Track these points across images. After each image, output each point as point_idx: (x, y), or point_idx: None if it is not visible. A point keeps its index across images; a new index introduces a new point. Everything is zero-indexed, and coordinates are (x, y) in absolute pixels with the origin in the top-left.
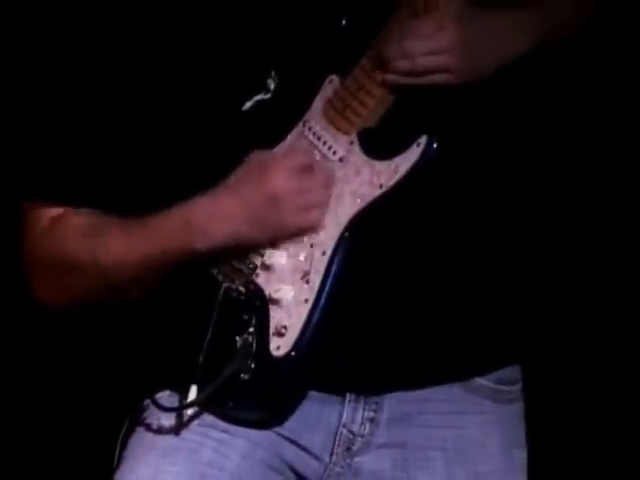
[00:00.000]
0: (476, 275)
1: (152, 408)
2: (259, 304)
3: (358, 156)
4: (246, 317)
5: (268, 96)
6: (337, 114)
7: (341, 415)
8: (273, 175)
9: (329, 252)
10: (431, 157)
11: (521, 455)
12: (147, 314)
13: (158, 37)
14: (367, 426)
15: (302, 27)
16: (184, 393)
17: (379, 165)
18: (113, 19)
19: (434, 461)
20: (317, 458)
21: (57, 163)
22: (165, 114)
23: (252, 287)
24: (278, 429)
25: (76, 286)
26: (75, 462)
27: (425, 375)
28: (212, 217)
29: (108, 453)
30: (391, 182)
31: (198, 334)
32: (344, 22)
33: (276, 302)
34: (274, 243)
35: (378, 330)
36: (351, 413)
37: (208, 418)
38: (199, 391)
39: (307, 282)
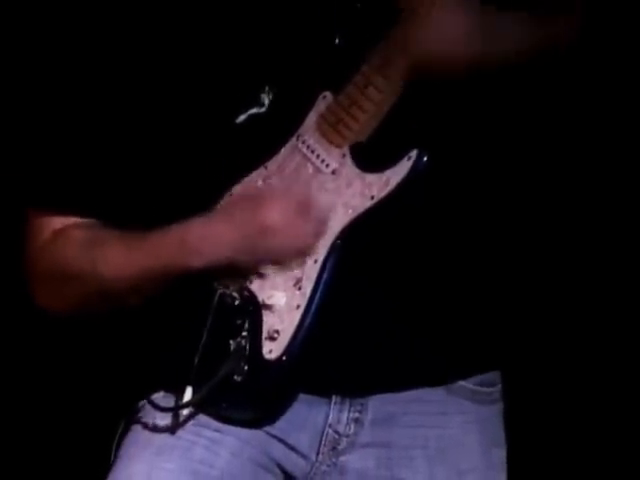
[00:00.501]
0: (459, 283)
1: (147, 408)
2: (252, 309)
3: (350, 168)
4: (240, 321)
5: (262, 110)
6: (330, 128)
7: (327, 416)
8: (269, 209)
9: (321, 260)
10: (421, 170)
11: (500, 454)
12: (144, 317)
13: (156, 51)
14: (352, 426)
15: (297, 44)
16: (179, 394)
17: (370, 177)
18: (113, 33)
19: (417, 460)
20: (304, 457)
21: (61, 175)
22: (161, 125)
23: (246, 293)
24: (267, 428)
25: (76, 295)
26: (72, 461)
27: (409, 379)
28: (207, 239)
29: (105, 452)
30: (382, 194)
31: (193, 337)
32: (337, 40)
33: (269, 307)
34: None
35: (364, 335)
36: (337, 414)
37: (200, 418)
38: (194, 392)
39: (299, 289)
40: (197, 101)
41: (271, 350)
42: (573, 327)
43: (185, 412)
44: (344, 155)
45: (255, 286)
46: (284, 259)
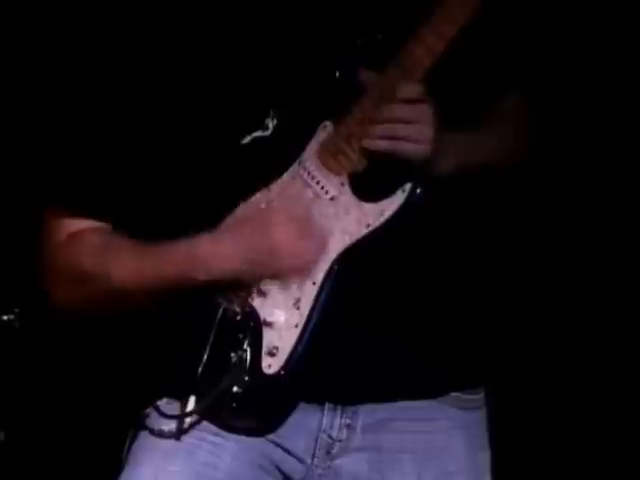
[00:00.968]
0: (445, 303)
1: (153, 415)
2: (253, 325)
3: (348, 197)
4: (241, 336)
5: (267, 134)
6: (330, 157)
7: (321, 422)
8: (274, 231)
9: (319, 282)
10: (414, 202)
11: (485, 456)
12: (152, 330)
13: (171, 75)
14: (344, 432)
15: (300, 76)
16: (183, 402)
17: (367, 207)
18: (129, 57)
19: (406, 463)
20: (301, 460)
21: (81, 182)
22: (171, 141)
23: (248, 309)
24: None
25: (88, 295)
26: (85, 465)
27: (398, 390)
28: (214, 255)
29: (115, 456)
30: (377, 223)
31: (197, 349)
32: (338, 74)
33: (269, 324)
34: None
35: (357, 350)
36: (330, 420)
37: (203, 423)
38: (197, 401)
39: (298, 308)
40: (204, 121)
41: (270, 365)
42: (551, 341)
43: (188, 419)
44: (343, 184)
45: (257, 303)
46: (285, 276)
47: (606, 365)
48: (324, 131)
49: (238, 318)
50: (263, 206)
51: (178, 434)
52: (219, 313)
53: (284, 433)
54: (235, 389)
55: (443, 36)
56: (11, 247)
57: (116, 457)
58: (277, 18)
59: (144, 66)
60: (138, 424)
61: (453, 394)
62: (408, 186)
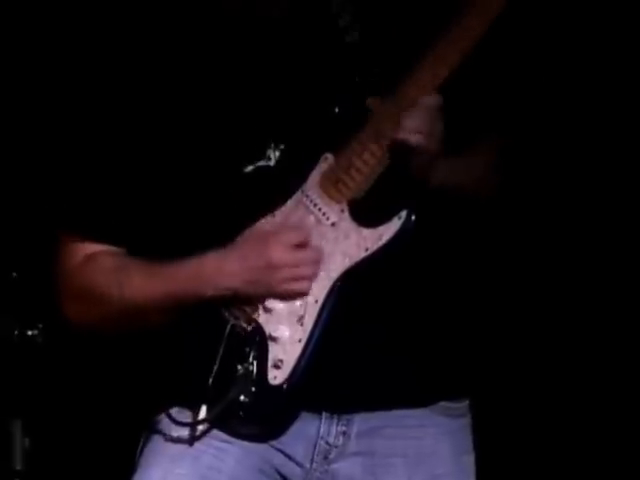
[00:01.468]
0: (433, 321)
1: (164, 422)
2: (259, 339)
3: (348, 222)
4: (248, 349)
5: (269, 163)
6: (331, 186)
7: (319, 429)
8: (273, 247)
9: (321, 300)
10: (409, 228)
11: (469, 460)
12: (166, 344)
13: (181, 108)
14: (340, 438)
15: (301, 111)
16: (194, 410)
17: (366, 232)
18: (140, 88)
19: (397, 466)
20: (300, 465)
21: (96, 208)
22: (178, 170)
23: (254, 325)
24: None
25: (103, 313)
26: (101, 467)
27: (388, 400)
28: (220, 273)
29: (129, 459)
30: (375, 247)
31: (207, 361)
32: (337, 110)
33: (274, 339)
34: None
35: (352, 363)
36: (327, 428)
37: (210, 430)
38: (208, 409)
39: (301, 324)
40: (209, 151)
41: (275, 377)
42: (529, 356)
43: (200, 427)
44: (343, 210)
45: (262, 320)
46: (284, 291)
47: (581, 375)
48: (325, 162)
49: (245, 334)
50: (267, 229)
51: (187, 439)
52: (227, 328)
53: (284, 439)
54: (242, 398)
55: (437, 75)
56: (34, 267)
57: (131, 459)
58: (281, 57)
59: (158, 100)
60: (151, 429)
61: (441, 403)
62: (404, 213)
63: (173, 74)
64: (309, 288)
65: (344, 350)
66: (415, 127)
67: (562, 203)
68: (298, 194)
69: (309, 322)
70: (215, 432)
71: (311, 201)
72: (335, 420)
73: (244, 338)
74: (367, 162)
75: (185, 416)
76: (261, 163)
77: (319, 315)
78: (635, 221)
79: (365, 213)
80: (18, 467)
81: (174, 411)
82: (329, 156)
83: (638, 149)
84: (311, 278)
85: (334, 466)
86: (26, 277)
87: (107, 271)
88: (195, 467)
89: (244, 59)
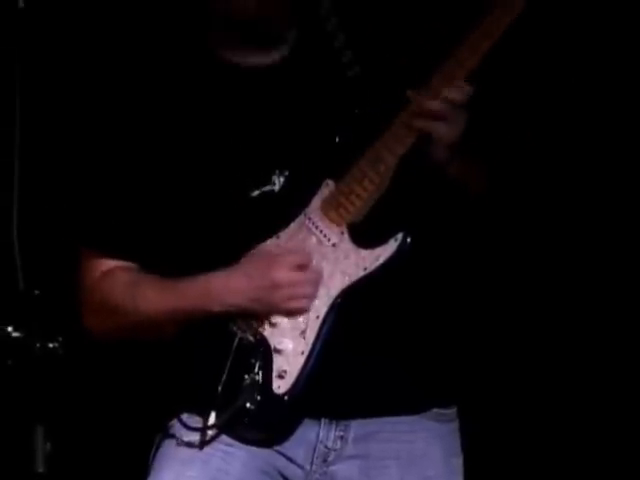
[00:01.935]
0: (426, 335)
1: (176, 427)
2: (265, 351)
3: (347, 244)
4: (254, 361)
5: (274, 188)
6: (332, 210)
7: (318, 434)
8: (277, 268)
9: (322, 316)
10: (405, 249)
11: (458, 462)
12: (178, 356)
13: (194, 141)
14: (338, 442)
15: (304, 141)
16: (204, 416)
17: (364, 252)
18: (155, 122)
19: (391, 468)
20: (301, 467)
21: (115, 229)
22: (190, 196)
23: (260, 338)
24: None
25: (119, 324)
26: (119, 469)
27: (383, 408)
28: (226, 290)
29: (143, 462)
30: (373, 266)
31: (217, 372)
32: (338, 139)
33: (279, 351)
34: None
35: (350, 374)
36: (326, 433)
37: (218, 435)
38: (217, 416)
39: (304, 338)
40: (220, 176)
41: (279, 386)
42: (513, 367)
43: (210, 432)
44: (343, 232)
45: (268, 333)
46: (286, 309)
47: (564, 382)
48: (326, 188)
49: (252, 345)
50: (272, 249)
51: (197, 444)
52: (235, 341)
53: (286, 443)
54: (248, 405)
55: (423, 111)
56: (54, 286)
57: (145, 462)
58: (288, 91)
59: (176, 133)
60: (163, 434)
61: (432, 410)
62: (400, 236)
63: (193, 109)
64: (308, 306)
65: (342, 361)
66: (438, 113)
67: (548, 220)
68: (301, 217)
69: (311, 336)
70: (222, 437)
71: (313, 224)
72: (333, 426)
73: (251, 350)
74: (366, 189)
75: (195, 422)
76: (267, 188)
77: (320, 329)
78: (622, 228)
79: (364, 235)
80: (40, 470)
81: (185, 417)
82: (330, 182)
83: (635, 150)
84: (311, 297)
85: (332, 468)
86: (47, 295)
87: (123, 285)
88: (205, 470)
89: (255, 94)
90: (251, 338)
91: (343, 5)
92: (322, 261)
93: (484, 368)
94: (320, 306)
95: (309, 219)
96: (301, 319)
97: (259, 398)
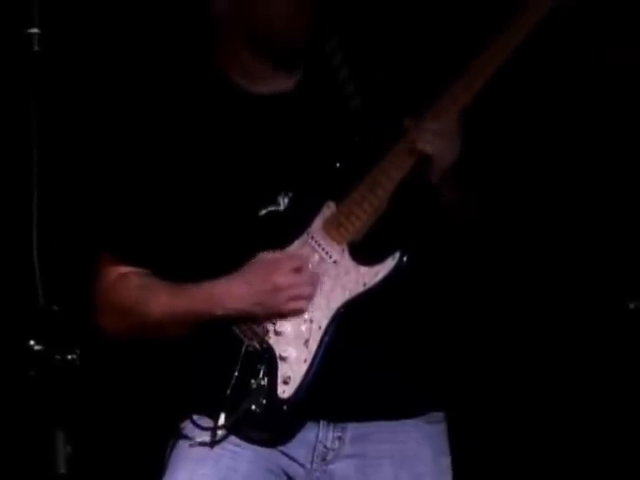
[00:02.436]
0: (419, 345)
1: (188, 429)
2: (270, 358)
3: (348, 261)
4: (260, 366)
5: (280, 208)
6: (333, 229)
7: (317, 435)
8: (276, 272)
9: (323, 326)
10: (402, 267)
11: (447, 461)
12: (189, 362)
13: (209, 163)
14: (336, 442)
15: (307, 166)
16: (215, 418)
17: (363, 269)
18: (170, 150)
19: (385, 467)
20: (302, 466)
21: (132, 238)
22: (201, 213)
23: (265, 346)
24: None
25: (131, 323)
26: (137, 470)
27: (377, 412)
28: (227, 296)
29: (157, 462)
30: (372, 282)
31: (225, 376)
32: (338, 165)
33: (283, 359)
34: (284, 316)
35: (348, 380)
36: (325, 434)
37: (227, 436)
38: (226, 417)
39: (307, 346)
40: (231, 196)
41: (284, 391)
42: (499, 375)
43: (220, 432)
44: (343, 250)
45: (273, 341)
46: (286, 311)
47: (547, 388)
48: (328, 209)
49: (258, 353)
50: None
51: (208, 444)
52: (243, 349)
53: (289, 444)
54: (254, 408)
55: (413, 152)
56: (73, 300)
57: (159, 463)
58: (293, 121)
59: (191, 159)
60: (176, 437)
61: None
62: (397, 254)
63: (209, 134)
64: (307, 306)
65: (341, 369)
66: (438, 131)
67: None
68: (304, 235)
69: (313, 345)
70: (231, 437)
71: (316, 242)
72: (332, 427)
73: (257, 357)
74: (365, 210)
75: (206, 423)
76: (272, 207)
77: (322, 339)
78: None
79: (363, 253)
80: (62, 471)
81: (197, 419)
82: (331, 204)
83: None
84: (309, 298)
85: (331, 467)
86: (65, 311)
87: (136, 288)
88: (216, 468)
89: (264, 120)
90: (258, 346)
91: (348, 42)
92: (324, 276)
93: (471, 374)
94: (322, 318)
95: (312, 237)
96: (304, 329)
97: (265, 402)
